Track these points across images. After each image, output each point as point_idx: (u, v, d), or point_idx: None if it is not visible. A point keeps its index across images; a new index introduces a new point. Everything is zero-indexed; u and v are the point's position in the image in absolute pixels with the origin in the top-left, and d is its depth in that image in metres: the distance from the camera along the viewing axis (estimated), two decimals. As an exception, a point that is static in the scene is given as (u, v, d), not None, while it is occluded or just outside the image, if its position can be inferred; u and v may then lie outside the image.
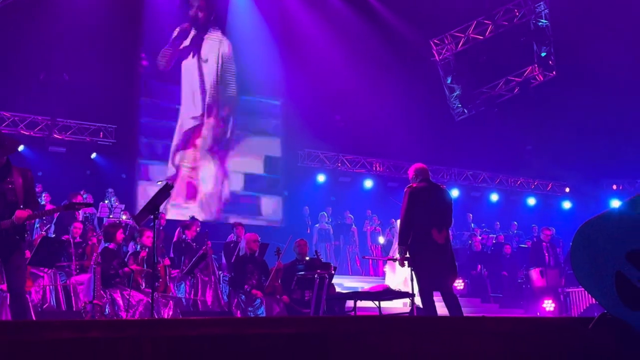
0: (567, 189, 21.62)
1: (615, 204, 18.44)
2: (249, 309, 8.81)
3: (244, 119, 17.53)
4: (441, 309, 6.73)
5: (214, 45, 17.36)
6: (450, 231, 7.04)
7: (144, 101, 16.36)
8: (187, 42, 16.92)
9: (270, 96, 17.90)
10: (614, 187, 21.06)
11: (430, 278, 6.59)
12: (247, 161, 17.45)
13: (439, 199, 6.84)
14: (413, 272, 6.77)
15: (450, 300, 6.56)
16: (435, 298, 6.63)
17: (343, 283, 13.62)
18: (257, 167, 17.59)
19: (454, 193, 18.33)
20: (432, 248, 6.60)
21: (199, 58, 17.10)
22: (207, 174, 16.88)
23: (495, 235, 17.24)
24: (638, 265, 2.97)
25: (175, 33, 16.76)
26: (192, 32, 17.01)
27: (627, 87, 18.31)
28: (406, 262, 6.73)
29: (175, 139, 16.62)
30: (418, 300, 6.87)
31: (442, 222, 6.71)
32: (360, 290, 9.65)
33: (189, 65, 16.95)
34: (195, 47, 17.05)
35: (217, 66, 17.35)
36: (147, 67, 16.42)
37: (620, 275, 3.06)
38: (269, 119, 17.90)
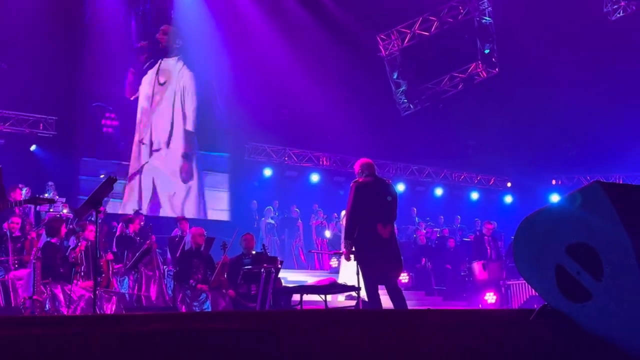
0: (509, 184, 22.11)
1: (555, 198, 18.98)
2: (194, 303, 8.74)
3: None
4: (386, 302, 6.82)
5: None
6: (395, 225, 7.13)
7: (86, 92, 15.96)
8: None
9: (217, 90, 17.68)
10: (553, 182, 21.63)
11: (376, 272, 6.66)
12: (194, 155, 17.26)
13: (384, 193, 6.92)
14: (358, 266, 6.84)
15: (395, 294, 6.65)
16: (380, 292, 6.71)
17: (288, 277, 13.64)
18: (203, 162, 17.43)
19: (400, 187, 18.54)
20: (377, 242, 6.67)
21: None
22: (151, 169, 16.61)
23: (439, 229, 17.53)
24: (577, 259, 3.07)
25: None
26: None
27: (567, 84, 18.84)
28: (352, 256, 6.79)
29: (120, 132, 16.31)
30: (364, 294, 6.94)
31: (387, 217, 6.79)
32: (306, 284, 9.69)
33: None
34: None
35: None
36: (90, 60, 15.99)
37: (560, 268, 3.16)
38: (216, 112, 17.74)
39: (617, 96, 18.68)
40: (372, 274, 6.67)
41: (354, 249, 6.78)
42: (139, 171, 16.34)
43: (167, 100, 17.05)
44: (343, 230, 7.38)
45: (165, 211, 16.37)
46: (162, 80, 17.01)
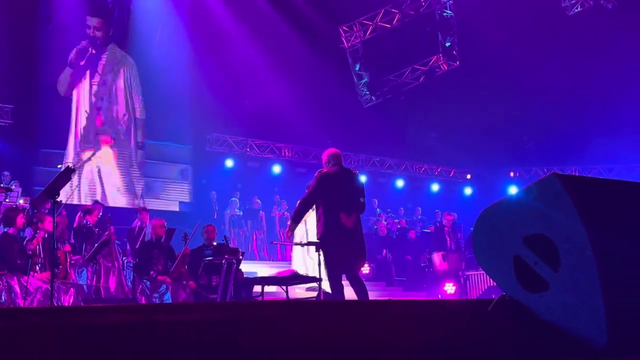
0: (469, 176, 22.38)
1: (513, 190, 19.28)
2: (154, 295, 8.67)
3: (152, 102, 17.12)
4: (349, 293, 6.85)
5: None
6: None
7: (45, 81, 15.64)
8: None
9: (178, 80, 17.46)
10: (512, 174, 21.95)
11: (338, 262, 6.67)
12: (154, 146, 17.07)
13: (349, 183, 6.94)
14: (321, 256, 6.86)
15: (357, 284, 6.68)
16: (343, 282, 6.74)
17: (250, 269, 13.62)
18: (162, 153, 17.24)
19: (361, 179, 18.59)
20: (340, 232, 6.67)
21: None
22: (111, 159, 16.38)
23: (399, 220, 17.65)
24: (534, 249, 3.13)
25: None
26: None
27: (526, 77, 19.13)
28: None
29: (75, 121, 16.05)
30: (325, 285, 6.97)
31: (351, 206, 6.78)
32: (267, 275, 9.68)
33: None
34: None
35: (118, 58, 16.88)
36: (48, 48, 15.67)
37: (518, 259, 3.21)
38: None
39: (576, 90, 19.01)
40: (335, 264, 6.67)
41: (317, 240, 6.81)
42: (89, 161, 16.09)
43: (120, 90, 16.82)
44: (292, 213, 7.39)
45: (120, 202, 16.17)
46: (109, 69, 16.74)
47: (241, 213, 16.48)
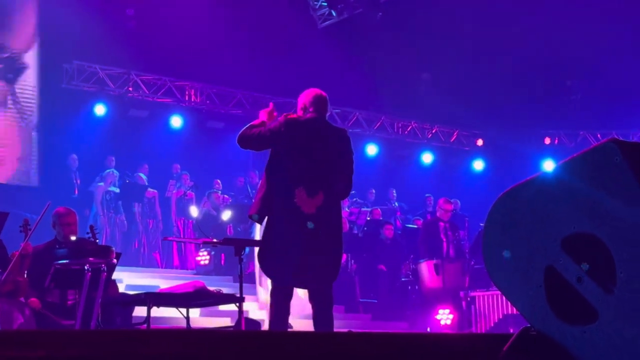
0: (480, 141, 22.56)
1: (548, 165, 19.55)
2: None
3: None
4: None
5: None
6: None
7: None
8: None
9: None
10: (547, 140, 22.23)
11: (284, 267, 6.63)
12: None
13: (328, 144, 6.86)
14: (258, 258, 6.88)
15: (319, 303, 6.71)
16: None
17: (130, 279, 13.58)
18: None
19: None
20: (292, 219, 6.63)
21: None
22: None
23: (369, 209, 17.72)
24: (579, 258, 3.15)
25: None
26: None
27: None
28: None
29: None
30: (251, 307, 6.99)
31: (319, 181, 6.69)
32: (158, 290, 9.65)
33: None
34: None
35: None
36: None
37: (553, 272, 3.24)
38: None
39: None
40: (278, 270, 6.67)
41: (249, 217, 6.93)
42: None
43: None
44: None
45: None
46: None
47: (117, 190, 16.37)
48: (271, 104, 7.16)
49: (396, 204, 19.43)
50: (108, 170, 16.48)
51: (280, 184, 6.70)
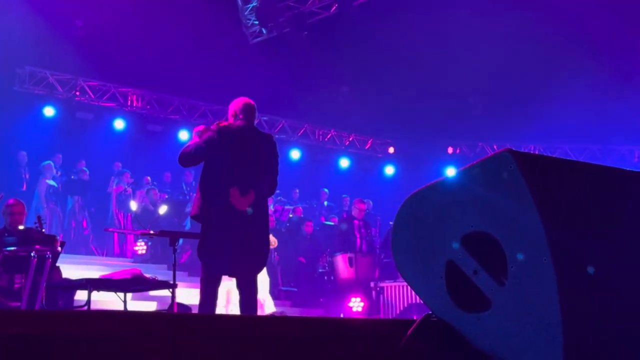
0: (392, 149, 22.70)
1: (450, 172, 19.73)
2: None
3: None
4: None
5: None
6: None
7: None
8: None
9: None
10: (450, 149, 22.47)
11: (216, 257, 6.65)
12: None
13: (256, 148, 6.93)
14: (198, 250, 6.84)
15: (246, 291, 6.73)
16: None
17: (72, 267, 13.39)
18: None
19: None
20: (225, 215, 6.67)
21: None
22: None
23: (294, 207, 17.73)
24: (475, 253, 3.18)
25: None
26: None
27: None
28: None
29: None
30: (183, 293, 6.94)
31: (250, 181, 6.78)
32: (99, 277, 9.54)
33: None
34: None
35: None
36: None
37: (452, 265, 3.27)
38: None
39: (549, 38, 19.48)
40: (210, 260, 6.67)
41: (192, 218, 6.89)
42: None
43: None
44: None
45: None
46: None
47: (56, 185, 16.16)
48: (202, 126, 7.16)
49: (326, 203, 19.49)
50: (45, 163, 16.23)
51: (216, 184, 6.74)
